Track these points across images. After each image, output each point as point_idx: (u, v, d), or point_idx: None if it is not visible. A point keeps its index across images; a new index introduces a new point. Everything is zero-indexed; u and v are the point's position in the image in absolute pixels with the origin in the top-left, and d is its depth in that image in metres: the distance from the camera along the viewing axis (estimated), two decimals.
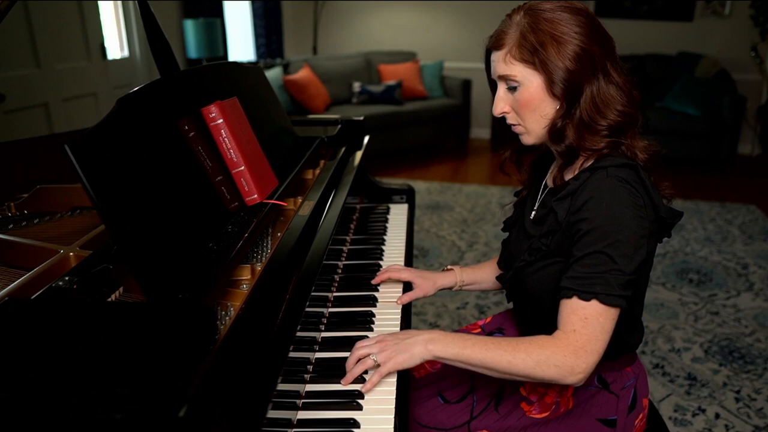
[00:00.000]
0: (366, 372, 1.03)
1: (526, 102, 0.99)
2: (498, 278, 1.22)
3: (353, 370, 1.00)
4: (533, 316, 1.15)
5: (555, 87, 0.96)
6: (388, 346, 0.99)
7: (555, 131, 1.00)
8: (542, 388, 1.11)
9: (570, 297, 0.92)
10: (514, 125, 1.04)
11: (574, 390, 1.09)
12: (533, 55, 0.96)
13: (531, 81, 0.97)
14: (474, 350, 0.94)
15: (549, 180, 1.10)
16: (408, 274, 1.31)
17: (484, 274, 1.35)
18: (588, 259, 0.92)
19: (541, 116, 1.00)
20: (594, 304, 0.91)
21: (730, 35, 5.38)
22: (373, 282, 1.31)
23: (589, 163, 1.00)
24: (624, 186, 0.93)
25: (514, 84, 0.99)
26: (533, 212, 1.12)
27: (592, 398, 1.09)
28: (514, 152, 1.15)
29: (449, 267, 1.35)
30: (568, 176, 1.04)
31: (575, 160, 1.02)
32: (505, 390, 1.13)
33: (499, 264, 1.23)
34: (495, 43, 1.00)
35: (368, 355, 0.99)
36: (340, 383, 1.00)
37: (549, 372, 0.91)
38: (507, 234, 1.25)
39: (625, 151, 1.00)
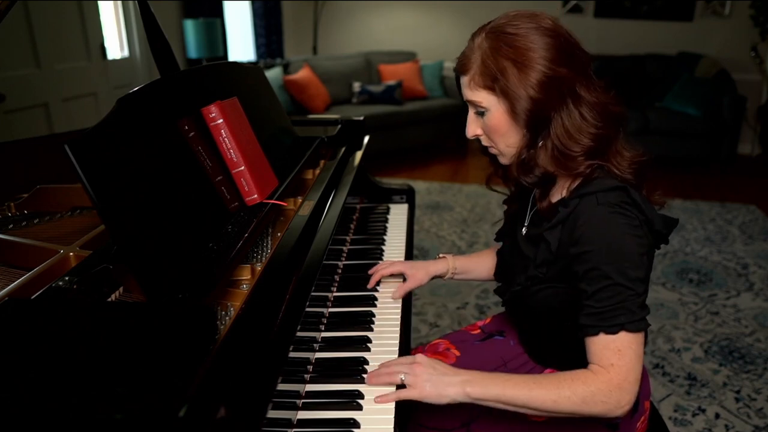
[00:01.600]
0: (364, 371, 1.03)
1: (494, 128, 0.97)
2: (495, 291, 1.21)
3: (380, 379, 0.98)
4: (532, 328, 1.15)
5: (518, 117, 0.93)
6: (422, 372, 0.95)
7: (521, 164, 0.97)
8: None
9: (597, 334, 0.90)
10: (488, 147, 1.03)
11: None
12: (494, 82, 0.92)
13: (496, 108, 0.95)
14: (516, 390, 0.91)
15: (537, 195, 1.08)
16: (399, 266, 1.31)
17: (477, 264, 1.35)
18: (602, 293, 0.90)
19: (508, 145, 0.98)
20: (623, 335, 0.89)
21: (730, 35, 5.38)
22: (369, 286, 1.30)
23: (576, 184, 0.97)
24: (617, 211, 0.90)
25: (482, 110, 0.97)
26: (524, 228, 1.11)
27: None
28: (499, 167, 1.12)
29: (442, 255, 1.35)
30: (555, 197, 1.02)
31: (552, 185, 1.00)
32: None
33: (496, 275, 1.22)
34: (460, 67, 0.98)
35: (397, 372, 0.96)
36: (340, 383, 1.01)
37: (596, 408, 0.89)
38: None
39: (612, 169, 0.96)
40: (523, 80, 0.90)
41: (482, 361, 1.19)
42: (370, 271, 1.33)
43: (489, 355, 1.18)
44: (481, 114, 0.98)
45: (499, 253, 1.21)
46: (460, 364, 1.20)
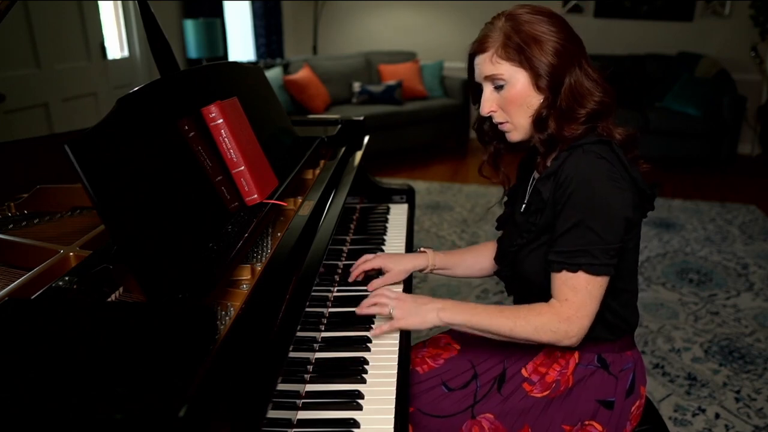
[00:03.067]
0: (364, 371, 1.03)
1: (513, 98, 1.06)
2: (496, 273, 1.27)
3: (369, 309, 1.12)
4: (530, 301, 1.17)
5: (541, 80, 1.03)
6: (406, 306, 1.10)
7: (539, 120, 1.06)
8: (543, 368, 1.13)
9: (559, 270, 1.02)
10: (501, 123, 1.11)
11: (574, 368, 1.12)
12: (519, 53, 1.03)
13: (517, 78, 1.04)
14: (481, 318, 1.06)
15: (536, 173, 1.15)
16: (378, 261, 1.32)
17: (460, 260, 1.37)
18: (571, 232, 1.00)
19: (528, 108, 1.06)
20: (581, 275, 1.00)
21: (730, 35, 5.38)
22: (350, 279, 1.31)
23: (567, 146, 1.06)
24: (599, 159, 1.00)
25: (501, 82, 1.06)
26: (523, 205, 1.17)
27: (591, 376, 1.11)
28: (493, 155, 1.22)
29: (422, 249, 1.37)
30: (549, 162, 1.09)
31: (555, 148, 1.08)
32: (507, 372, 1.15)
33: (496, 260, 1.26)
34: (479, 47, 1.07)
35: (387, 305, 1.10)
36: (340, 383, 1.01)
37: (546, 336, 1.02)
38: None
39: (601, 132, 1.06)
40: (542, 51, 1.02)
41: (483, 349, 1.20)
42: (351, 269, 1.33)
43: (488, 341, 1.20)
44: (499, 88, 1.07)
45: (499, 240, 1.25)
46: (462, 355, 1.21)
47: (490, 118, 1.12)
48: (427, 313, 1.08)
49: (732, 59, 5.29)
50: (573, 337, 1.02)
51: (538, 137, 1.07)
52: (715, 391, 2.10)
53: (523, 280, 1.15)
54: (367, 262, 1.32)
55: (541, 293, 1.07)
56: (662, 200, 4.12)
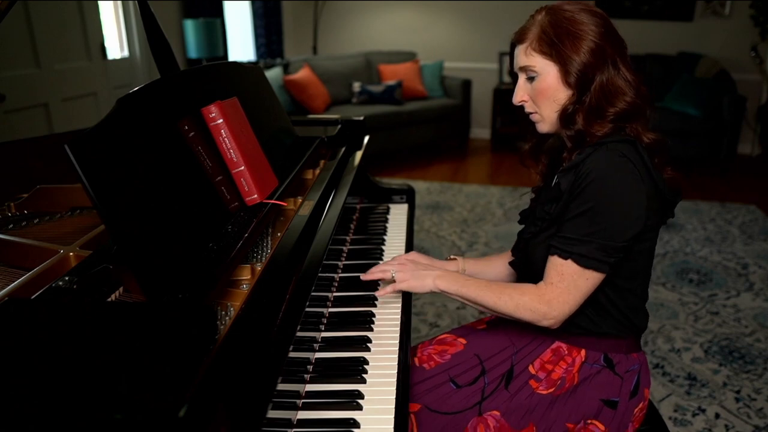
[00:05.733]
0: (364, 371, 1.03)
1: (542, 90, 1.09)
2: (510, 263, 1.29)
3: (373, 275, 1.22)
4: None
5: (569, 77, 1.06)
6: (407, 270, 1.19)
7: (566, 116, 1.09)
8: (550, 365, 1.14)
9: (553, 254, 1.06)
10: (531, 113, 1.15)
11: (580, 366, 1.13)
12: (551, 47, 1.07)
13: (548, 71, 1.08)
14: (470, 289, 1.13)
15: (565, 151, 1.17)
16: (413, 257, 1.30)
17: (488, 268, 1.37)
18: (575, 220, 1.03)
19: (555, 102, 1.10)
20: (570, 263, 1.03)
21: (730, 35, 5.38)
22: (365, 278, 1.27)
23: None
24: (621, 159, 1.02)
25: (533, 74, 1.10)
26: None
27: (597, 375, 1.12)
28: (535, 145, 1.24)
29: (452, 257, 1.37)
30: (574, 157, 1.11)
31: (583, 144, 1.10)
32: (515, 368, 1.16)
33: (513, 251, 1.28)
34: (519, 38, 1.12)
35: (388, 270, 1.20)
36: (340, 383, 1.01)
37: (525, 314, 1.08)
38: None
39: (629, 133, 1.07)
40: (576, 46, 1.05)
41: (490, 343, 1.21)
42: (371, 269, 1.30)
43: (495, 337, 1.20)
44: (531, 79, 1.11)
45: (519, 233, 1.26)
46: (469, 349, 1.22)
47: None
48: (425, 278, 1.16)
49: (732, 59, 5.29)
50: (551, 319, 1.06)
51: (566, 133, 1.10)
52: (715, 391, 2.10)
53: (532, 269, 1.16)
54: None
55: None
56: None
